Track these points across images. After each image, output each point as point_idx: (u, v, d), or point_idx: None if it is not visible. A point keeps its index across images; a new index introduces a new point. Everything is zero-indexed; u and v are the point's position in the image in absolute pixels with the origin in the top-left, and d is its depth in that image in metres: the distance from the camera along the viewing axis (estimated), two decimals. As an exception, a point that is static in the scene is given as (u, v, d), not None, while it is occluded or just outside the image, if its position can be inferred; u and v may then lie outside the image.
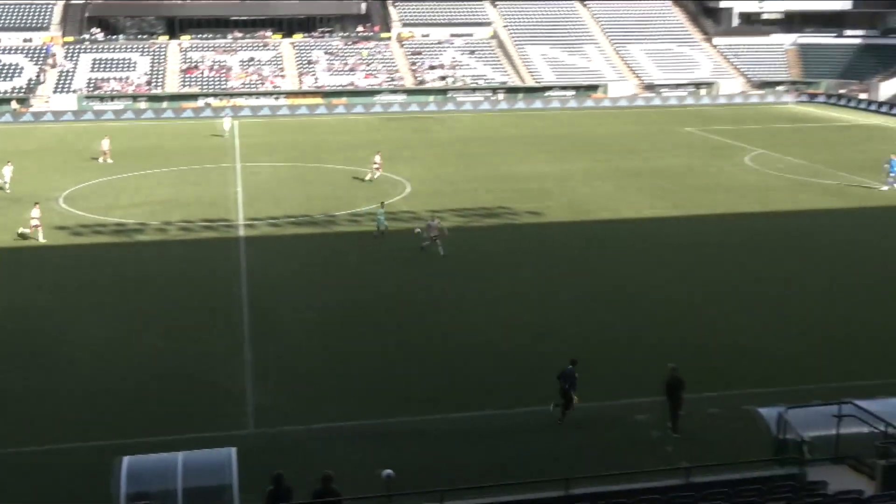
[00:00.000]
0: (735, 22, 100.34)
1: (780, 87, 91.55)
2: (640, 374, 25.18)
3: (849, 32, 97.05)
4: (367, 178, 51.29)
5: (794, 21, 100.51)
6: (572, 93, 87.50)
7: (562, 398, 22.46)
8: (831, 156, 58.94)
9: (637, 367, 25.78)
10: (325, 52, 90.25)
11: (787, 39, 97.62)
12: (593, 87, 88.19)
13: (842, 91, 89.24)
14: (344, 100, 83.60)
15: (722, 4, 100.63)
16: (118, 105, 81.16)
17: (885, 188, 48.73)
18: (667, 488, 15.96)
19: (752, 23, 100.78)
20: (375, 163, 51.54)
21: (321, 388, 24.52)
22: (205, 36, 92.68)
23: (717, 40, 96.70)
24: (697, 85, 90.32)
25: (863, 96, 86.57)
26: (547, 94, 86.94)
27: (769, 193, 47.87)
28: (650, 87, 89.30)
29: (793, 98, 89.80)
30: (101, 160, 57.22)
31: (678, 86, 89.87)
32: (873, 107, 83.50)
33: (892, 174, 48.97)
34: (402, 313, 30.13)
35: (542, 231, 40.76)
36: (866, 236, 39.69)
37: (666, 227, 41.30)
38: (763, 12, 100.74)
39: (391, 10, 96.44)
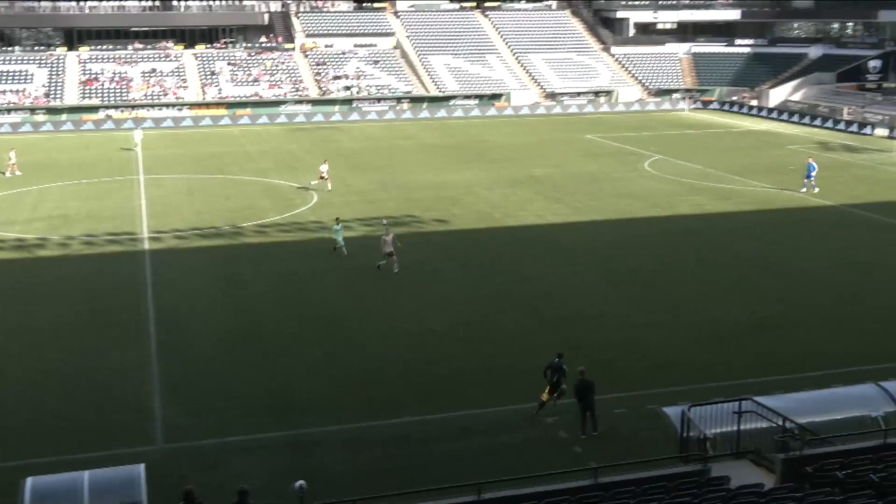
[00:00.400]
0: (631, 32, 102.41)
1: (675, 95, 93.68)
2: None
3: (739, 42, 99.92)
4: (329, 187, 50.71)
5: (687, 31, 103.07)
6: (475, 101, 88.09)
7: (552, 389, 22.83)
8: (726, 160, 60.51)
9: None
10: (229, 63, 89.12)
11: (682, 49, 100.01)
12: (496, 96, 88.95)
13: (734, 98, 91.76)
14: (248, 111, 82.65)
15: (618, 15, 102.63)
16: (15, 118, 78.79)
17: (804, 190, 50.12)
18: (576, 489, 16.11)
19: (648, 33, 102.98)
20: (322, 172, 51.20)
21: (231, 401, 24.13)
22: (104, 47, 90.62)
23: (614, 49, 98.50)
24: (597, 93, 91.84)
25: (754, 103, 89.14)
26: (451, 103, 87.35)
27: (668, 198, 48.90)
28: (551, 96, 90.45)
29: (688, 105, 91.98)
30: (7, 173, 55.45)
31: (578, 94, 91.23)
32: (764, 113, 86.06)
33: (808, 178, 50.17)
34: (312, 324, 29.86)
35: (449, 239, 40.88)
36: (759, 237, 40.80)
37: (570, 232, 41.83)
38: (657, 22, 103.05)
39: (294, 20, 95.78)
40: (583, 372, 22.32)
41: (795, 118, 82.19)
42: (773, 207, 46.82)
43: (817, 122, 79.80)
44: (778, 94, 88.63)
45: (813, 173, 50.18)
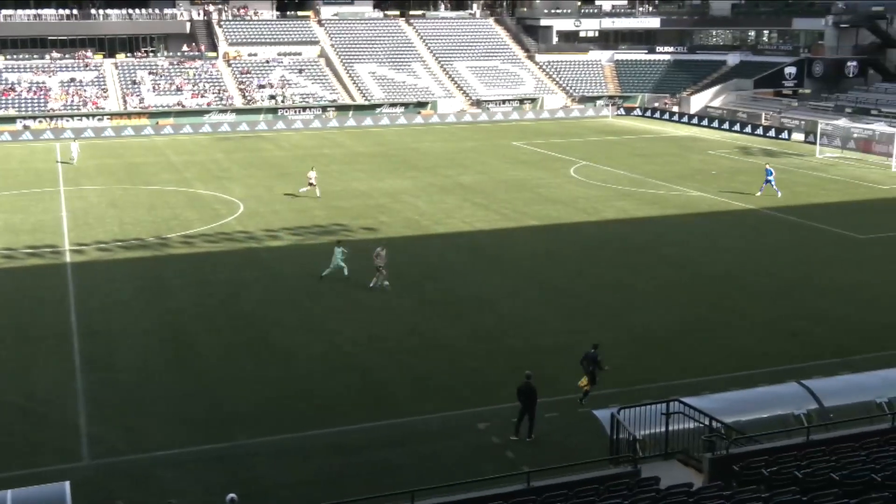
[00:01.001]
0: (555, 40, 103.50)
1: (599, 102, 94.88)
2: (482, 382, 25.55)
3: (660, 49, 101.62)
4: (318, 194, 50.94)
5: (609, 39, 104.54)
6: (402, 110, 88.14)
7: (588, 378, 23.79)
8: (650, 166, 61.47)
9: (478, 375, 26.14)
10: (150, 73, 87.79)
11: (604, 56, 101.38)
12: (422, 104, 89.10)
13: (656, 104, 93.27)
14: (171, 120, 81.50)
15: (542, 23, 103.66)
16: (-72, 129, 76.55)
17: (759, 194, 51.21)
18: (509, 494, 16.20)
19: (571, 40, 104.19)
20: (310, 178, 51.41)
21: (160, 414, 23.74)
22: (21, 56, 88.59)
23: (539, 57, 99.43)
24: (522, 100, 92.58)
25: (675, 109, 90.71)
26: (377, 111, 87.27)
27: (594, 203, 49.50)
28: (477, 103, 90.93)
29: (612, 112, 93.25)
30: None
31: (504, 101, 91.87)
32: (685, 118, 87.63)
33: (767, 182, 51.33)
34: (241, 335, 29.54)
35: (378, 246, 40.74)
36: (683, 241, 41.52)
37: (498, 239, 42.09)
38: (580, 30, 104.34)
39: (217, 29, 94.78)
40: (529, 376, 22.50)
41: (716, 124, 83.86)
42: (698, 211, 47.69)
43: (737, 127, 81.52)
44: (698, 101, 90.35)
45: (771, 178, 51.47)
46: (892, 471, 15.37)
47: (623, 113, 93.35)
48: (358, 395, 24.89)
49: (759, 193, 51.33)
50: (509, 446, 21.90)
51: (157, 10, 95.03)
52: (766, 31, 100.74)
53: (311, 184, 51.39)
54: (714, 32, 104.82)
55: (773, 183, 51.40)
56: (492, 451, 21.70)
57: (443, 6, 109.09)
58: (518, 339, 29.13)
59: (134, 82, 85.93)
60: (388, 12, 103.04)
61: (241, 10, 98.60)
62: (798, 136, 75.32)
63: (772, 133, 77.70)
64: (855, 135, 69.28)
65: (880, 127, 66.61)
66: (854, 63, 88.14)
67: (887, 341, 28.58)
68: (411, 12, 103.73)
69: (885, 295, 33.71)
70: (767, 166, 53.24)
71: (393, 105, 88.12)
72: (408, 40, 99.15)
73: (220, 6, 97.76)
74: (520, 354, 27.63)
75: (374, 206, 48.84)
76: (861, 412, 19.47)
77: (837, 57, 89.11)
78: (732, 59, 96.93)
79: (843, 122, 70.26)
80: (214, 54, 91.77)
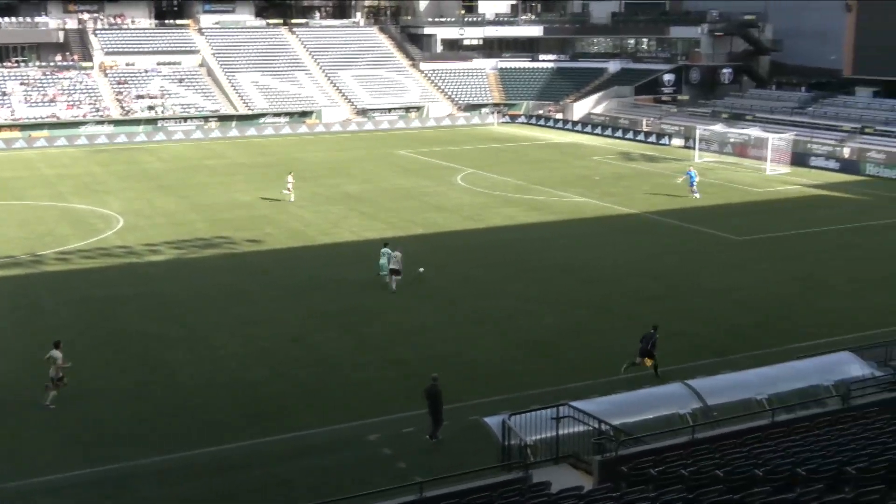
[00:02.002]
0: (439, 48, 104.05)
1: (484, 110, 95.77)
2: (370, 393, 25.42)
3: (543, 57, 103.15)
4: (291, 198, 52.24)
5: (493, 47, 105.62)
6: (286, 119, 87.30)
7: (639, 356, 26.26)
8: (535, 172, 62.30)
9: (367, 386, 26.00)
10: (21, 83, 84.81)
11: (488, 64, 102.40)
12: (307, 114, 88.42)
13: (540, 111, 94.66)
14: (45, 132, 78.86)
15: (425, 31, 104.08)
16: None
17: (698, 195, 53.08)
18: (402, 505, 16.13)
19: (455, 49, 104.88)
20: (288, 183, 52.85)
21: (35, 439, 22.83)
22: None
23: (423, 65, 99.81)
24: (408, 109, 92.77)
25: (559, 116, 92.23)
26: (261, 121, 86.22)
27: (481, 210, 49.88)
28: (362, 112, 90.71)
29: (497, 119, 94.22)
30: None
31: (389, 110, 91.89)
32: (569, 125, 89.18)
33: (691, 185, 53.55)
34: (119, 353, 28.70)
35: (264, 259, 40.28)
36: (569, 246, 42.19)
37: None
38: (464, 38, 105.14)
39: (92, 38, 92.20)
40: (435, 378, 22.56)
41: (598, 130, 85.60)
42: (583, 217, 48.52)
43: (619, 133, 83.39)
44: (581, 108, 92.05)
45: (695, 180, 53.61)
46: (772, 466, 15.85)
47: (508, 120, 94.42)
48: (244, 410, 24.44)
49: (697, 196, 53.14)
50: (401, 457, 21.82)
51: (27, 19, 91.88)
52: (644, 40, 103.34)
53: (288, 188, 52.63)
54: (595, 40, 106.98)
55: (693, 185, 53.52)
56: (383, 463, 21.59)
57: (318, 14, 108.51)
58: (406, 348, 29.09)
59: (3, 93, 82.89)
60: (271, 21, 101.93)
61: (118, 18, 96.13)
62: (677, 142, 77.45)
63: (652, 139, 79.70)
64: (731, 139, 71.63)
65: (755, 132, 68.98)
66: (728, 70, 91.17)
67: (764, 339, 29.56)
68: (294, 20, 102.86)
69: (759, 295, 34.88)
70: (691, 169, 55.47)
71: (277, 115, 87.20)
72: (291, 49, 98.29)
73: (94, 14, 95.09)
74: (408, 364, 27.60)
75: (258, 218, 48.19)
76: (743, 409, 20.06)
77: (713, 64, 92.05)
78: (613, 66, 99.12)
79: (719, 127, 72.55)
80: (90, 64, 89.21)
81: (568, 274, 37.74)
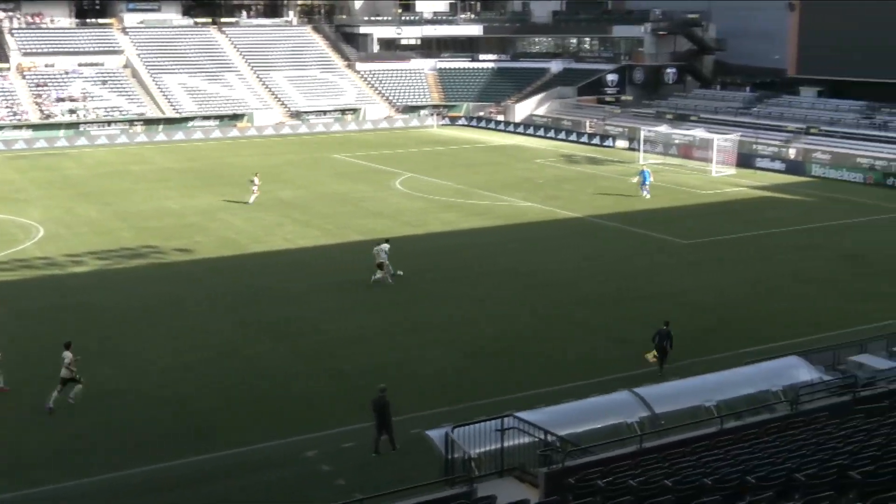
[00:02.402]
0: (375, 48, 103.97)
1: (423, 111, 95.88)
2: (307, 407, 25.25)
3: (483, 57, 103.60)
4: (250, 200, 53.21)
5: (431, 46, 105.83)
6: (216, 123, 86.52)
7: (658, 353, 27.50)
8: (476, 176, 62.51)
9: (303, 400, 25.82)
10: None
11: (427, 64, 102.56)
12: (238, 117, 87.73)
13: (481, 113, 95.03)
14: (-42, 138, 77.22)
15: (361, 30, 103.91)
16: None
17: (648, 195, 54.57)
18: (342, 523, 16.01)
19: (392, 48, 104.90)
20: (254, 184, 53.96)
21: (-50, 463, 22.31)
22: None
23: (359, 66, 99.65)
24: (344, 111, 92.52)
25: (500, 118, 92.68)
26: (189, 124, 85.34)
27: (420, 216, 49.89)
28: (296, 115, 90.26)
29: (436, 121, 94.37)
30: None
31: (324, 112, 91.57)
32: (511, 127, 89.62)
33: (644, 184, 55.11)
34: (40, 369, 28.09)
35: (194, 268, 39.84)
36: (511, 252, 42.38)
37: (321, 256, 41.82)
38: (401, 38, 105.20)
39: (8, 38, 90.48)
40: (382, 390, 22.52)
41: (541, 132, 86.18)
42: (526, 221, 48.77)
43: (562, 135, 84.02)
44: (523, 109, 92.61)
45: (648, 180, 55.13)
46: (721, 474, 16.04)
47: (448, 122, 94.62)
48: (175, 427, 24.11)
49: (647, 195, 54.61)
50: (341, 473, 21.70)
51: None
52: (587, 39, 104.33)
53: (255, 191, 53.70)
54: (536, 40, 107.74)
55: (646, 185, 54.93)
56: (322, 480, 21.45)
57: (248, 13, 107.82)
58: (344, 359, 28.96)
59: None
60: (198, 19, 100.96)
61: (36, 17, 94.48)
62: (622, 143, 78.28)
63: (596, 140, 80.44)
64: (676, 141, 72.60)
65: (700, 133, 70.02)
66: (672, 70, 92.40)
67: (711, 345, 29.96)
68: (223, 19, 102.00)
69: (706, 299, 35.37)
70: (644, 168, 57.17)
71: (206, 118, 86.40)
72: (220, 49, 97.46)
73: (10, 13, 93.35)
74: (347, 376, 27.50)
75: (187, 226, 47.66)
76: (691, 417, 20.28)
77: (656, 64, 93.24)
78: (555, 66, 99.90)
79: (664, 128, 73.47)
80: (6, 65, 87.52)
81: (513, 280, 37.89)
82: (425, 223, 48.26)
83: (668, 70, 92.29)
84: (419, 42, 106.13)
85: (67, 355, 25.56)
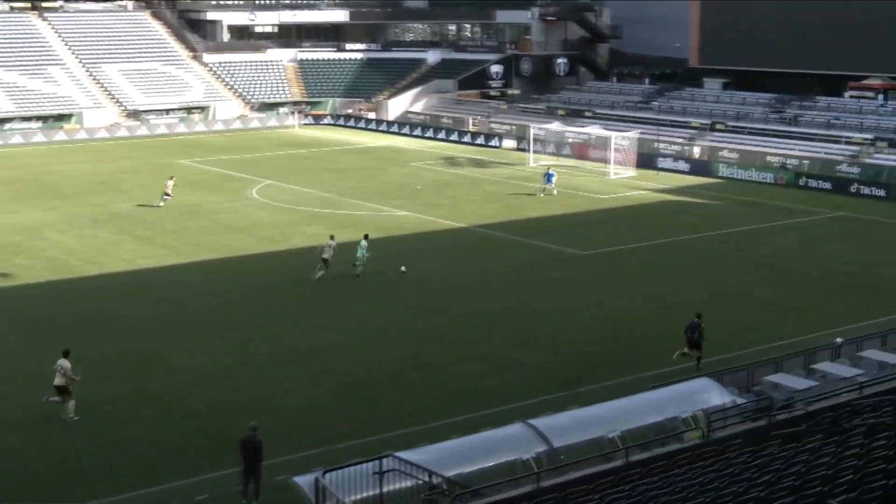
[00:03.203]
0: (225, 36, 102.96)
1: (282, 109, 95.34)
2: (153, 455, 24.78)
3: (349, 47, 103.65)
4: (160, 203, 54.91)
5: (290, 35, 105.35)
6: (39, 125, 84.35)
7: (689, 347, 29.85)
8: (345, 182, 62.39)
9: (143, 447, 25.31)
10: None
11: (286, 55, 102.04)
12: (64, 117, 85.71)
13: (349, 111, 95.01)
14: None
15: (208, 16, 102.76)
16: None
17: (542, 195, 57.55)
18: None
19: (245, 37, 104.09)
20: (168, 188, 55.17)
21: None
22: None
23: (207, 58, 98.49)
24: (190, 110, 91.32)
25: (371, 116, 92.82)
26: (6, 127, 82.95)
27: (282, 229, 49.53)
28: (134, 115, 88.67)
29: (298, 120, 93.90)
30: None
31: (167, 111, 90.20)
32: (383, 126, 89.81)
33: (548, 182, 58.23)
34: None
35: (14, 296, 38.71)
36: (389, 267, 42.36)
37: (168, 278, 41.14)
38: (255, 25, 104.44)
39: None
40: (253, 428, 22.39)
41: (418, 131, 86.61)
42: (403, 233, 48.87)
43: (441, 134, 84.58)
44: (397, 105, 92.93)
45: (553, 179, 58.28)
46: (628, 513, 16.30)
47: (311, 122, 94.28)
48: (15, 482, 23.38)
49: (541, 196, 57.23)
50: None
51: None
52: (467, 26, 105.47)
53: (167, 193, 55.00)
54: (411, 27, 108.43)
55: (552, 184, 58.06)
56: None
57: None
58: (197, 397, 28.51)
59: None
60: (15, 4, 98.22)
61: None
62: (509, 143, 79.23)
63: (480, 140, 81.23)
64: (569, 140, 73.86)
65: (595, 130, 71.25)
66: (563, 60, 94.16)
67: (614, 368, 30.50)
68: (45, 4, 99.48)
69: (607, 317, 36.03)
70: (549, 170, 59.62)
71: (27, 119, 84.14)
72: (42, 38, 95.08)
73: None
74: (199, 416, 27.09)
75: (5, 246, 46.32)
76: (593, 450, 20.56)
77: (546, 53, 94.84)
78: (432, 56, 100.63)
79: (555, 125, 74.51)
80: None
81: (389, 301, 37.90)
82: (288, 238, 47.93)
83: (559, 60, 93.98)
84: (276, 30, 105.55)
85: (65, 364, 26.97)
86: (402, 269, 41.02)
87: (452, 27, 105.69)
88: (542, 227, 50.00)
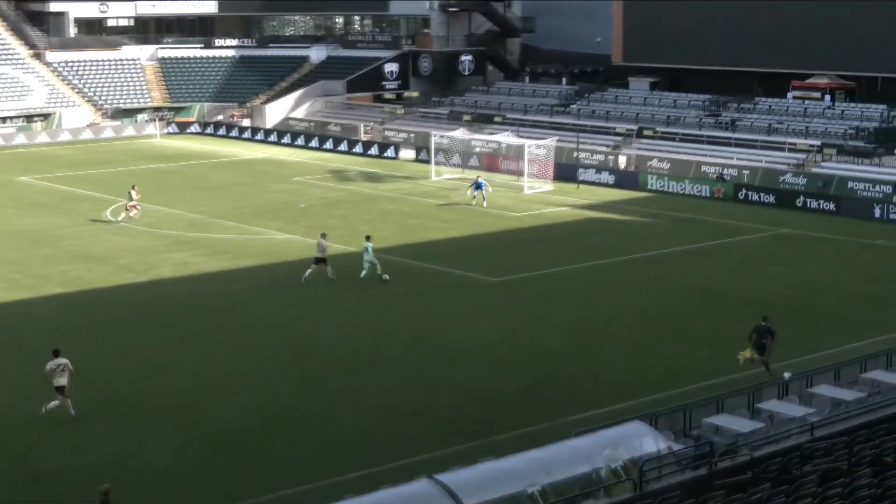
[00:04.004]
0: (72, 31, 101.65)
1: (141, 116, 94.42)
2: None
3: (220, 42, 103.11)
4: (121, 217, 56.82)
5: (150, 29, 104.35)
6: None
7: (756, 352, 32.45)
8: (217, 202, 61.93)
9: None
10: None
11: (144, 53, 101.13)
12: None
13: (220, 117, 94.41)
14: None
15: (52, 8, 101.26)
16: None
17: (484, 204, 59.65)
18: None
19: (96, 32, 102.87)
20: (132, 200, 57.18)
21: None
22: None
23: (51, 56, 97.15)
24: (30, 117, 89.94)
25: (246, 123, 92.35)
26: None
27: (143, 257, 48.91)
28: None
29: (159, 129, 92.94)
30: None
31: (3, 120, 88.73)
32: (260, 135, 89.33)
33: (480, 189, 60.13)
34: None
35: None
36: (271, 300, 42.11)
37: (8, 316, 40.42)
38: (108, 18, 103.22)
39: None
40: (106, 493, 22.21)
41: (301, 141, 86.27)
42: (285, 259, 48.56)
43: (329, 144, 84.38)
44: (276, 111, 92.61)
45: (485, 188, 60.30)
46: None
47: (175, 131, 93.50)
48: None
49: (473, 203, 59.46)
50: None
51: None
52: (357, 18, 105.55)
53: (129, 206, 56.97)
54: (291, 19, 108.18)
55: (482, 190, 60.05)
56: None
57: None
58: (43, 457, 28.00)
59: None
60: None
61: None
62: (407, 154, 79.38)
63: (374, 151, 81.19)
64: (477, 149, 74.25)
65: (507, 138, 71.62)
66: (469, 57, 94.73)
67: (532, 412, 30.59)
68: None
69: (525, 352, 36.11)
70: (479, 179, 61.44)
71: None
72: None
73: None
74: (44, 479, 26.56)
75: None
76: (510, 508, 20.58)
77: (448, 50, 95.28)
78: (317, 53, 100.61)
79: (460, 133, 74.39)
80: None
81: (268, 338, 37.58)
82: (150, 267, 47.36)
83: (464, 58, 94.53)
84: (133, 23, 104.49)
85: (62, 362, 30.48)
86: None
87: (339, 19, 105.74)
88: (446, 251, 50.11)
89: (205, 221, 56.73)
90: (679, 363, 34.74)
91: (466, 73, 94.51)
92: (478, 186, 60.52)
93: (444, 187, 66.75)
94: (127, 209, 56.96)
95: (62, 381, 30.09)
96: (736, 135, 71.68)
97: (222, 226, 55.68)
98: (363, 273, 44.50)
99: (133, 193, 57.42)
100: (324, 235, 45.40)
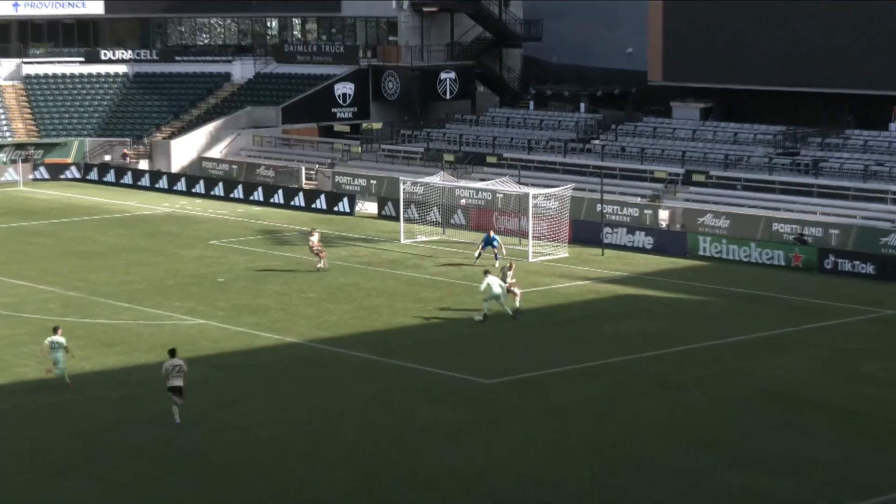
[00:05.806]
0: None
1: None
2: None
3: (108, 55, 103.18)
4: None
5: (10, 37, 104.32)
6: None
7: None
8: (101, 273, 61.94)
9: None
10: None
11: (4, 69, 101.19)
12: None
13: (107, 157, 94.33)
14: None
15: None
16: None
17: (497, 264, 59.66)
18: None
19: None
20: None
21: None
22: None
23: None
24: None
25: (143, 165, 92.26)
26: None
27: (1, 351, 48.94)
28: None
29: (21, 174, 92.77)
30: None
31: None
32: (163, 182, 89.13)
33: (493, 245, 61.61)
34: None
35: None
36: (172, 414, 41.95)
37: None
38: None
39: None
40: None
41: (219, 190, 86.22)
42: (195, 354, 48.28)
43: (258, 195, 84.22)
44: (185, 149, 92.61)
45: (497, 244, 61.45)
46: None
47: (45, 176, 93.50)
48: None
49: (475, 263, 60.48)
50: None
51: None
52: (297, 21, 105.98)
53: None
54: (206, 24, 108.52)
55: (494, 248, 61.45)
56: None
57: None
58: None
59: None
60: None
61: None
62: (367, 207, 79.40)
63: (321, 203, 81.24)
64: (463, 201, 74.11)
65: (503, 186, 70.99)
66: (451, 75, 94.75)
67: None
68: None
69: (520, 487, 35.68)
70: (490, 233, 62.90)
71: None
72: None
73: None
74: None
75: None
76: None
77: (423, 65, 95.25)
78: (241, 70, 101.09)
79: (439, 178, 73.93)
80: None
81: (164, 462, 37.32)
82: (7, 366, 47.18)
83: (445, 75, 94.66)
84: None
85: (178, 362, 39.38)
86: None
87: (273, 23, 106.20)
88: (418, 341, 50.00)
89: (85, 301, 56.58)
90: (746, 499, 34.52)
91: (448, 96, 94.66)
92: (488, 242, 61.33)
93: (417, 253, 66.68)
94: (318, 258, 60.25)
95: (178, 382, 38.38)
96: (820, 180, 71.64)
97: (109, 307, 55.52)
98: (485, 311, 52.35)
99: (314, 240, 60.53)
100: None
